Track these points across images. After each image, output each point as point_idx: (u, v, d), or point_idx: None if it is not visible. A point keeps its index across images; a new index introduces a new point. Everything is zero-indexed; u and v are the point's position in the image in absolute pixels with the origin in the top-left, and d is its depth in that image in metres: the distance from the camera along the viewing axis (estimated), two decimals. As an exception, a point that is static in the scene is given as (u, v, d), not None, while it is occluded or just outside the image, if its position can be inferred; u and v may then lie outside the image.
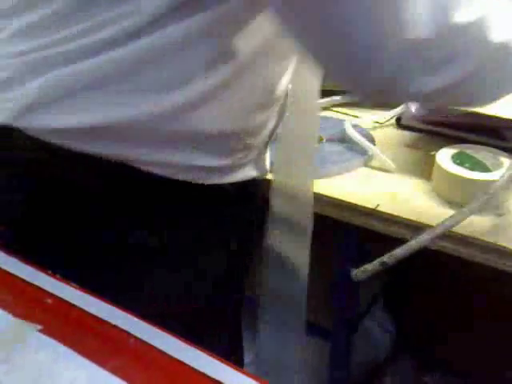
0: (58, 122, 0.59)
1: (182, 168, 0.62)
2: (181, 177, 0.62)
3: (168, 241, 0.66)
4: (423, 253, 0.75)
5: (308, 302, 0.90)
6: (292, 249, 0.84)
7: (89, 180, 0.62)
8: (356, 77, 0.56)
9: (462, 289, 1.29)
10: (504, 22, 0.55)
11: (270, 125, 0.71)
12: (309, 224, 0.83)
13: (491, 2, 0.54)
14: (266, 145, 0.74)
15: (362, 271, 0.72)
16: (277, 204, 0.81)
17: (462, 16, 0.50)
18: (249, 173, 0.71)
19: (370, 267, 0.71)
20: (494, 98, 0.64)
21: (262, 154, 0.74)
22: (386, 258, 0.71)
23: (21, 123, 0.60)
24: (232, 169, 0.68)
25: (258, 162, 0.73)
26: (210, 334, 0.73)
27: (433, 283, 1.33)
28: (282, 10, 0.53)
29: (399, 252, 0.71)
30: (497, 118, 0.92)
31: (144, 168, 0.60)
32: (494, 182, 0.77)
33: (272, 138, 0.75)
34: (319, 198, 0.86)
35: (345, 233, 0.93)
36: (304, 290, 0.86)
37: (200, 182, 0.64)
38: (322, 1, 0.49)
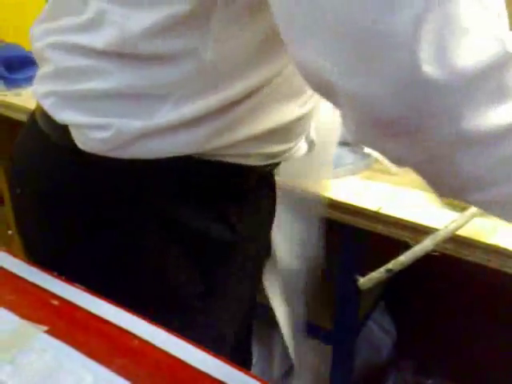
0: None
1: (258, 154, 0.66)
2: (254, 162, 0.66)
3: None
4: (424, 256, 0.75)
5: (308, 304, 0.91)
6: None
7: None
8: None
9: (463, 291, 1.29)
10: None
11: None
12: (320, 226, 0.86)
13: None
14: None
15: (369, 279, 0.72)
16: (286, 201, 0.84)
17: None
18: (301, 152, 0.74)
19: (376, 275, 0.71)
20: None
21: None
22: (391, 264, 0.71)
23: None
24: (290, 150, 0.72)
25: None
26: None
27: (434, 286, 1.33)
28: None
29: (404, 258, 0.71)
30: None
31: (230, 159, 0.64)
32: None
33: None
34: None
35: (347, 236, 0.93)
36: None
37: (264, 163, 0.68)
38: None
